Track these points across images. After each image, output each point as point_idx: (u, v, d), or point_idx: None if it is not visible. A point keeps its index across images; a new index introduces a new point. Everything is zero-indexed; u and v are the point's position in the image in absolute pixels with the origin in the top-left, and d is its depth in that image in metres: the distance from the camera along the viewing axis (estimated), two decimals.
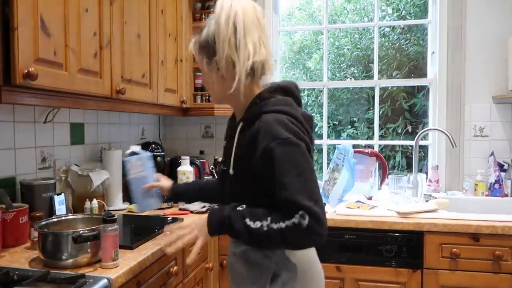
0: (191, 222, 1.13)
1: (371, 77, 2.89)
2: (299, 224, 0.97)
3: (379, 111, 2.77)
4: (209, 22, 1.12)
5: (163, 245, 1.28)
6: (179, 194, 1.48)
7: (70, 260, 1.22)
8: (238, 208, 1.06)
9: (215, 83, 1.15)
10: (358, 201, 2.19)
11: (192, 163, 2.21)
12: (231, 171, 1.13)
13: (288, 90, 1.19)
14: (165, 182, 1.46)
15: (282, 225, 0.98)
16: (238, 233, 1.04)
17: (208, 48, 1.11)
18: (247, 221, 1.02)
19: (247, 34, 1.06)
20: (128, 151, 1.50)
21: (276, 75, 2.82)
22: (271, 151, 1.01)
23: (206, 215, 1.11)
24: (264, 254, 1.12)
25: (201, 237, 1.10)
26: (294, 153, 1.01)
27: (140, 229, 1.68)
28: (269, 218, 1.01)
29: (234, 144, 1.13)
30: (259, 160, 1.04)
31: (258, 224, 1.01)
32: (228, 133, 1.24)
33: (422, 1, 4.24)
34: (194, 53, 1.18)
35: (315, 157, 4.79)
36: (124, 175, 2.10)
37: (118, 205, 2.05)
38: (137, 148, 1.52)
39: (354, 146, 2.36)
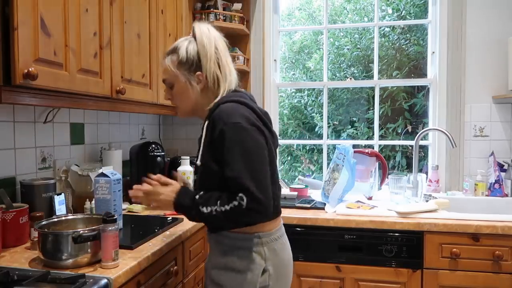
0: (162, 193, 1.29)
1: (371, 77, 2.89)
2: (239, 205, 1.13)
3: (379, 111, 2.78)
4: (183, 43, 1.32)
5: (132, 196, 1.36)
6: None
7: (70, 260, 1.22)
8: (196, 197, 1.22)
9: (192, 94, 1.32)
10: (358, 201, 2.19)
11: (192, 163, 2.21)
12: (198, 162, 1.27)
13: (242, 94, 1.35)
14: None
15: (227, 207, 1.15)
16: (194, 218, 1.25)
17: (190, 64, 1.30)
18: (201, 208, 1.19)
19: (224, 55, 1.32)
20: (99, 171, 1.60)
21: (276, 75, 2.82)
22: (223, 133, 1.17)
23: (173, 193, 1.27)
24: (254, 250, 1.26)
25: (163, 208, 1.32)
26: (242, 136, 1.17)
27: (140, 229, 1.68)
28: (218, 202, 1.17)
29: (202, 139, 1.26)
30: (216, 143, 1.19)
31: (209, 209, 1.18)
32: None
33: (422, 1, 4.24)
34: (168, 68, 1.32)
35: (315, 157, 4.80)
36: (124, 175, 2.10)
37: None
38: (109, 170, 1.57)
39: (354, 146, 2.36)
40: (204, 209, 1.19)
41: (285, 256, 1.34)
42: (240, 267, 1.24)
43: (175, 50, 1.32)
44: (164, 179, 1.33)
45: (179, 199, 1.26)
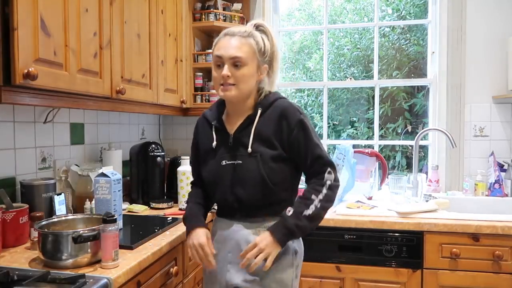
0: (260, 244, 1.27)
1: (371, 77, 2.89)
2: (334, 179, 1.33)
3: (379, 111, 2.78)
4: (258, 34, 1.36)
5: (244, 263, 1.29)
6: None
7: (70, 260, 1.22)
8: (290, 213, 1.29)
9: (253, 81, 1.36)
10: (358, 201, 2.19)
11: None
12: (249, 150, 1.32)
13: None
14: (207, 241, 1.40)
15: (324, 191, 1.30)
16: (307, 229, 1.30)
17: (264, 56, 1.36)
18: (305, 212, 1.28)
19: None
20: (99, 171, 1.60)
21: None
22: (303, 122, 1.33)
23: (268, 236, 1.28)
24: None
25: (273, 252, 1.27)
26: (310, 123, 1.37)
27: (140, 229, 1.68)
28: (313, 196, 1.30)
29: (253, 129, 1.34)
30: (294, 131, 1.32)
31: (312, 208, 1.28)
32: (218, 137, 1.41)
33: (422, 1, 4.24)
34: (248, 49, 1.32)
35: None
36: (124, 175, 2.10)
37: None
38: (109, 170, 1.56)
39: (354, 146, 2.36)
40: (309, 212, 1.28)
41: None
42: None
43: (255, 37, 1.34)
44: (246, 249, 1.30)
45: (279, 230, 1.28)
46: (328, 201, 1.31)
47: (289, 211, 1.29)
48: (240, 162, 1.34)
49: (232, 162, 1.35)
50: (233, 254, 1.36)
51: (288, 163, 1.35)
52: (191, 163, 1.55)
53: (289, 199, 1.38)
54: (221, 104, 1.47)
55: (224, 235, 1.40)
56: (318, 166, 1.33)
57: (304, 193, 1.33)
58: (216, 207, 1.51)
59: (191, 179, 2.09)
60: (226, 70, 1.30)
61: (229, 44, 1.31)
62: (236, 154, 1.35)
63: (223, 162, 1.37)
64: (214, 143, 1.39)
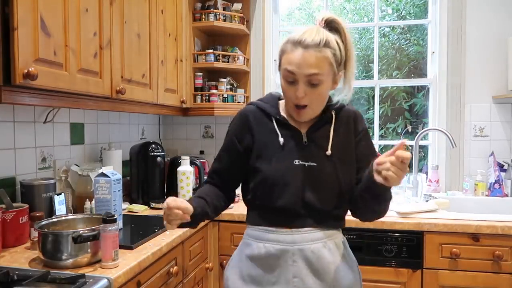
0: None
1: (371, 77, 2.89)
2: None
3: (379, 111, 2.78)
4: (330, 35, 1.15)
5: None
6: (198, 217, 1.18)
7: (70, 260, 1.22)
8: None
9: (327, 97, 1.22)
10: None
11: (192, 163, 2.21)
12: (328, 152, 1.21)
13: None
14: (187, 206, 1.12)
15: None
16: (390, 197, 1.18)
17: (339, 63, 1.18)
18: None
19: None
20: (99, 171, 1.60)
21: (276, 75, 2.81)
22: (367, 131, 1.29)
23: None
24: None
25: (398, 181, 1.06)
26: None
27: (140, 229, 1.68)
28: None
29: (331, 130, 1.24)
30: (362, 138, 1.26)
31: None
32: (285, 133, 1.24)
33: (422, 1, 4.24)
34: (325, 63, 1.14)
35: None
36: (124, 175, 2.10)
37: None
38: (109, 170, 1.57)
39: None
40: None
41: None
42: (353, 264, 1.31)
43: (330, 45, 1.14)
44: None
45: None
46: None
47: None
48: (315, 164, 1.20)
49: (304, 163, 1.20)
50: (301, 277, 1.17)
51: (354, 169, 1.24)
52: (218, 157, 1.32)
53: (346, 211, 1.27)
54: (275, 98, 1.32)
55: (277, 252, 1.18)
56: None
57: None
58: (254, 212, 1.26)
59: (191, 179, 2.06)
60: (301, 92, 1.14)
61: (303, 59, 1.12)
62: (311, 155, 1.20)
63: (296, 162, 1.20)
64: (281, 139, 1.22)
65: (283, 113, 1.27)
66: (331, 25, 1.18)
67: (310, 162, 1.20)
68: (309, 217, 1.19)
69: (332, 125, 1.24)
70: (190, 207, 1.10)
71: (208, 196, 1.24)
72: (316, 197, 1.19)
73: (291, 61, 1.14)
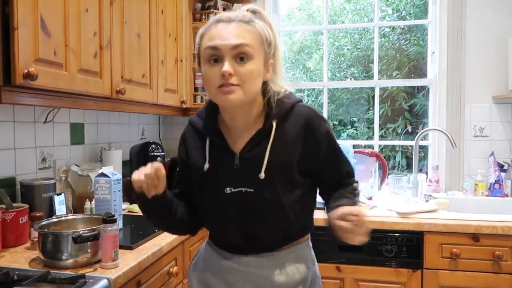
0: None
1: (371, 77, 2.89)
2: (358, 190, 1.15)
3: (379, 111, 2.78)
4: (257, 20, 1.04)
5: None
6: (165, 198, 1.09)
7: (70, 260, 1.22)
8: (351, 196, 1.10)
9: (260, 81, 1.04)
10: None
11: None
12: (262, 175, 1.02)
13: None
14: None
15: (355, 198, 1.11)
16: None
17: (269, 48, 1.04)
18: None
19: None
20: (99, 171, 1.60)
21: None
22: (329, 133, 1.09)
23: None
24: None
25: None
26: (332, 131, 1.13)
27: (140, 229, 1.68)
28: (351, 196, 1.10)
29: (268, 148, 1.04)
30: (321, 148, 1.07)
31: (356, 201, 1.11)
32: (216, 155, 1.08)
33: (422, 1, 4.24)
34: (253, 35, 1.00)
35: None
36: (124, 175, 2.10)
37: None
38: (109, 170, 1.57)
39: (354, 146, 2.36)
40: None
41: None
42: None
43: (254, 21, 1.02)
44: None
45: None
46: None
47: (350, 193, 1.10)
48: (252, 190, 1.03)
49: (240, 189, 1.04)
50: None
51: (307, 184, 1.09)
52: (175, 182, 1.20)
53: (309, 222, 1.16)
54: (214, 110, 1.12)
55: (233, 266, 1.10)
56: (346, 182, 1.14)
57: (341, 192, 1.11)
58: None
59: None
60: (227, 66, 0.96)
61: (227, 31, 0.98)
62: (245, 180, 1.04)
63: (227, 190, 1.05)
64: (207, 165, 1.07)
65: (221, 126, 1.10)
66: (256, 15, 1.05)
67: (246, 188, 1.03)
68: (252, 248, 1.08)
69: (270, 140, 1.04)
70: (162, 186, 1.03)
71: (181, 204, 1.14)
72: (259, 228, 1.06)
73: (212, 36, 0.99)
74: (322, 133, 1.07)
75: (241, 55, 0.98)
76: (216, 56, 0.99)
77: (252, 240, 1.07)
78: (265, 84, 1.07)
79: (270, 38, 1.04)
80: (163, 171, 1.01)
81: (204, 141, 1.10)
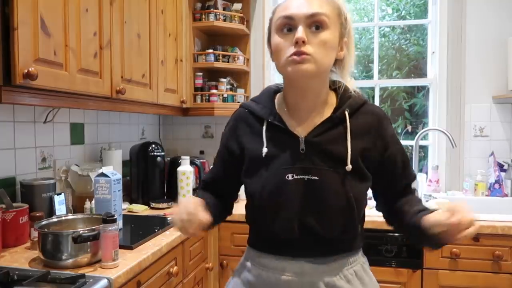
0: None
1: (371, 77, 2.89)
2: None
3: None
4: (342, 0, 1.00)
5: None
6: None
7: (70, 260, 1.22)
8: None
9: (332, 56, 0.97)
10: None
11: (192, 163, 2.21)
12: (348, 167, 0.95)
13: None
14: (204, 216, 0.93)
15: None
16: None
17: (344, 26, 0.98)
18: None
19: None
20: (99, 171, 1.59)
21: (276, 75, 2.81)
22: (396, 137, 1.04)
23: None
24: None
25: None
26: None
27: (140, 229, 1.68)
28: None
29: (348, 136, 0.97)
30: (389, 147, 1.01)
31: None
32: (277, 139, 1.00)
33: (422, 1, 4.24)
34: (330, 6, 0.95)
35: None
36: (124, 175, 2.10)
37: None
38: (109, 170, 1.57)
39: None
40: None
41: None
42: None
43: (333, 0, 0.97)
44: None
45: None
46: None
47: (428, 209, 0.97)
48: (316, 178, 0.95)
49: (301, 177, 0.95)
50: None
51: (368, 184, 1.02)
52: (213, 166, 1.18)
53: (361, 231, 1.05)
54: (272, 96, 1.08)
55: (279, 283, 0.98)
56: (412, 190, 1.07)
57: (417, 201, 1.05)
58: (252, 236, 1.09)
59: (191, 179, 2.03)
60: (301, 33, 0.90)
61: (304, 0, 0.93)
62: (310, 167, 0.95)
63: (289, 176, 0.96)
64: (265, 149, 0.99)
65: (280, 111, 1.03)
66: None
67: (310, 175, 0.95)
68: (314, 246, 0.97)
69: (348, 128, 0.98)
70: (207, 218, 0.92)
71: (213, 205, 1.06)
72: (319, 221, 0.95)
73: (287, 6, 0.94)
74: (391, 134, 1.03)
75: (316, 24, 0.92)
76: (289, 26, 0.94)
77: (310, 236, 0.96)
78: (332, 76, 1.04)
79: (345, 16, 0.98)
80: (198, 211, 0.91)
81: (261, 125, 1.03)
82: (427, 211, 0.96)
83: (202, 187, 1.18)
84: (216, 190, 1.14)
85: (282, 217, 0.97)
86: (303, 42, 0.90)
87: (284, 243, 0.99)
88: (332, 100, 1.03)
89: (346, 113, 0.99)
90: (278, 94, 1.09)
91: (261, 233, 1.04)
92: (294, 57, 0.91)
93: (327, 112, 1.01)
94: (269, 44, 1.03)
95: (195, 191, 2.18)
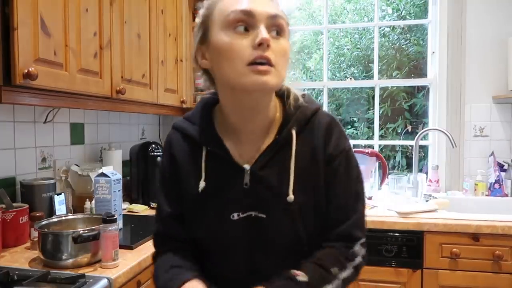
0: None
1: (371, 77, 2.89)
2: (361, 257, 0.86)
3: (379, 111, 2.77)
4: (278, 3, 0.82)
5: None
6: None
7: (70, 260, 1.22)
8: (305, 279, 0.78)
9: (286, 67, 0.80)
10: None
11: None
12: (290, 198, 0.81)
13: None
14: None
15: (349, 270, 0.83)
16: None
17: (290, 37, 0.82)
18: None
19: None
20: (99, 171, 1.59)
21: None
22: (348, 153, 0.85)
23: None
24: None
25: None
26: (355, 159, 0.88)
27: (140, 229, 1.68)
28: (336, 270, 0.81)
29: (292, 160, 0.82)
30: (335, 161, 0.84)
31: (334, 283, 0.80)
32: (216, 170, 0.85)
33: (422, 1, 4.24)
34: (282, 19, 0.78)
35: None
36: (124, 175, 2.10)
37: None
38: (109, 170, 1.57)
39: (354, 146, 2.36)
40: None
41: None
42: None
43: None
44: None
45: None
46: (347, 284, 0.83)
47: (303, 277, 0.78)
48: (263, 216, 0.83)
49: (249, 213, 0.83)
50: None
51: (321, 209, 0.86)
52: (167, 202, 0.92)
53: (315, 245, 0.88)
54: (209, 113, 0.89)
55: None
56: (350, 227, 0.85)
57: (325, 260, 0.82)
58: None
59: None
60: (266, 33, 0.73)
61: None
62: (257, 203, 0.83)
63: (234, 216, 0.84)
64: (202, 184, 0.85)
65: (220, 133, 0.86)
66: None
67: (257, 212, 0.83)
68: (258, 281, 0.80)
69: (293, 152, 0.82)
70: None
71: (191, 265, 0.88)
72: (268, 262, 0.84)
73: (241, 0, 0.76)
74: (340, 146, 0.85)
75: (277, 28, 0.76)
76: (246, 24, 0.75)
77: (259, 277, 0.81)
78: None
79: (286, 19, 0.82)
80: None
81: (199, 153, 0.86)
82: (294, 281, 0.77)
83: (167, 250, 0.91)
84: (181, 245, 0.91)
85: (229, 259, 0.86)
86: (268, 46, 0.73)
87: (232, 282, 0.87)
88: (277, 112, 0.86)
89: (293, 132, 0.83)
90: (215, 108, 0.89)
91: (208, 269, 0.89)
92: (258, 66, 0.73)
93: (272, 131, 0.85)
94: (202, 45, 0.82)
95: None
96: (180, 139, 0.90)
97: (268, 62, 0.74)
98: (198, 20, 0.83)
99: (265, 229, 0.83)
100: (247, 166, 0.83)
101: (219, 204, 0.84)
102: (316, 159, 0.84)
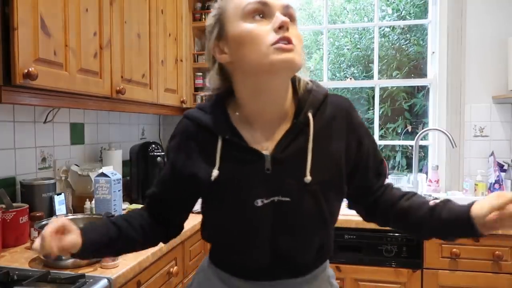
0: None
1: (371, 77, 2.89)
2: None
3: (379, 111, 2.78)
4: None
5: None
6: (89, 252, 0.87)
7: (70, 260, 1.22)
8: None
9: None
10: None
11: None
12: (307, 179, 0.82)
13: None
14: (72, 238, 0.83)
15: None
16: None
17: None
18: None
19: None
20: (99, 171, 1.60)
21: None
22: (364, 124, 0.93)
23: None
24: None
25: None
26: None
27: None
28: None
29: (310, 143, 0.84)
30: (363, 142, 0.90)
31: None
32: (235, 159, 0.86)
33: (422, 1, 4.24)
34: (293, 9, 0.84)
35: None
36: (124, 175, 2.10)
37: None
38: (109, 170, 1.57)
39: None
40: None
41: None
42: None
43: None
44: None
45: None
46: None
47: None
48: (288, 199, 0.83)
49: (272, 199, 0.83)
50: None
51: (345, 190, 0.91)
52: (159, 181, 0.97)
53: (331, 240, 0.94)
54: (223, 104, 0.90)
55: None
56: (384, 180, 0.96)
57: (407, 193, 0.92)
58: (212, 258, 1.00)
59: None
60: (283, 17, 0.78)
61: None
62: (279, 187, 0.83)
63: (258, 202, 0.83)
64: (215, 172, 0.84)
65: (236, 122, 0.87)
66: None
67: (280, 196, 0.83)
68: (284, 270, 0.87)
69: (311, 134, 0.84)
70: (73, 244, 0.82)
71: (129, 225, 0.91)
72: (293, 246, 0.86)
73: None
74: (361, 125, 0.91)
75: (290, 17, 0.81)
76: (263, 12, 0.79)
77: (283, 261, 0.86)
78: None
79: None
80: (67, 228, 0.82)
81: (213, 142, 0.86)
82: (441, 202, 0.85)
83: (145, 206, 0.99)
84: (158, 212, 0.96)
85: (252, 246, 0.86)
86: (287, 28, 0.77)
87: (254, 270, 0.88)
88: (293, 102, 0.89)
89: (310, 115, 0.85)
90: (229, 101, 0.91)
91: (227, 258, 0.93)
92: (282, 45, 0.76)
93: (289, 117, 0.87)
94: (219, 41, 0.84)
95: None
96: (192, 129, 0.91)
97: (290, 42, 0.77)
98: (211, 20, 0.87)
99: (290, 212, 0.84)
100: (266, 152, 0.84)
101: (239, 192, 0.85)
102: (335, 138, 0.87)
